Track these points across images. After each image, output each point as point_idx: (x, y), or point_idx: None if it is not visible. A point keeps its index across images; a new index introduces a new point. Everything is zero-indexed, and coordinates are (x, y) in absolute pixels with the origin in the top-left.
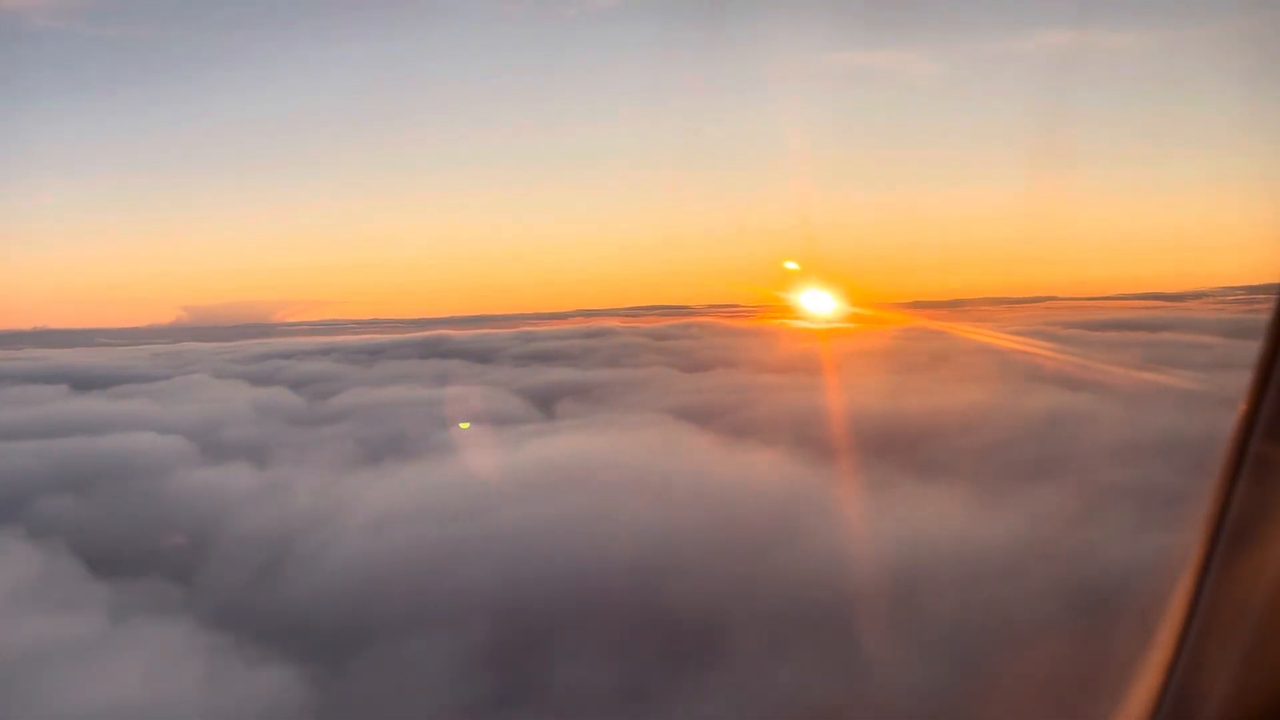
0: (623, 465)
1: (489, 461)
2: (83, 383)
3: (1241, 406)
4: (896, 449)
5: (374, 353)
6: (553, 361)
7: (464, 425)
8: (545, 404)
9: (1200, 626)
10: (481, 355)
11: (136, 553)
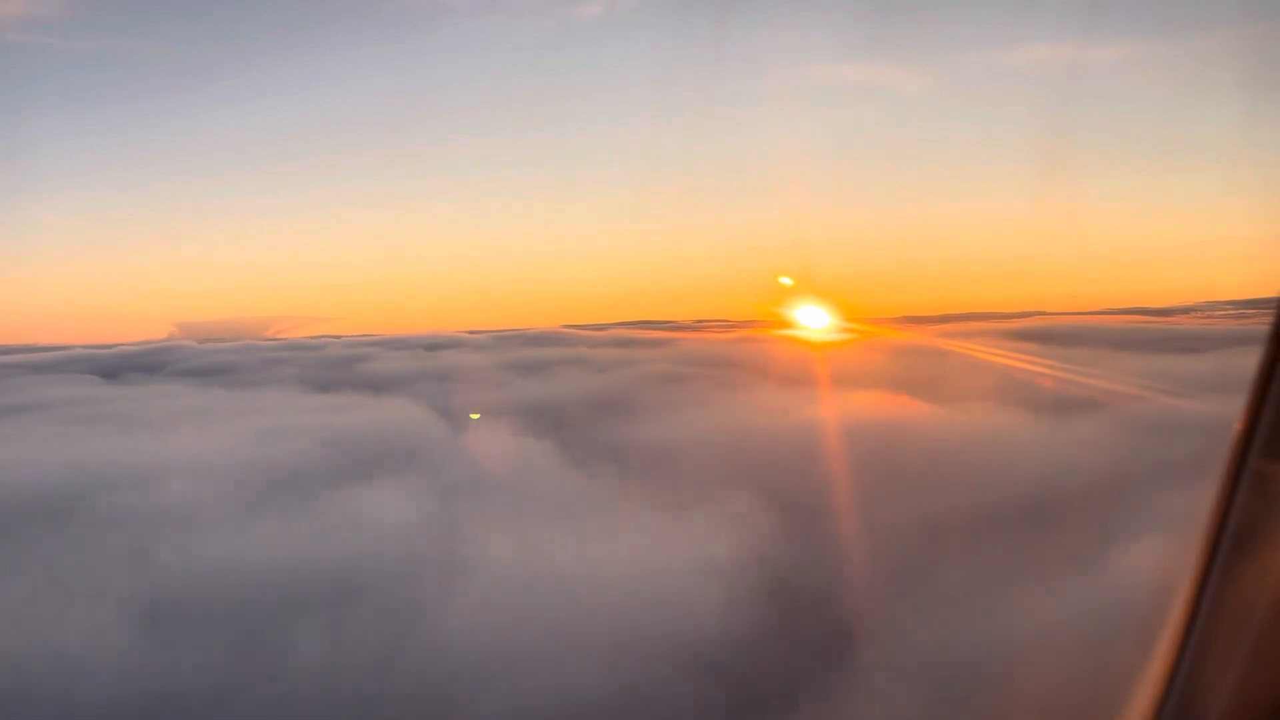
0: None
1: None
2: None
3: (1238, 424)
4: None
5: (37, 368)
6: (193, 377)
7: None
8: None
9: (1201, 635)
10: (149, 369)
11: None
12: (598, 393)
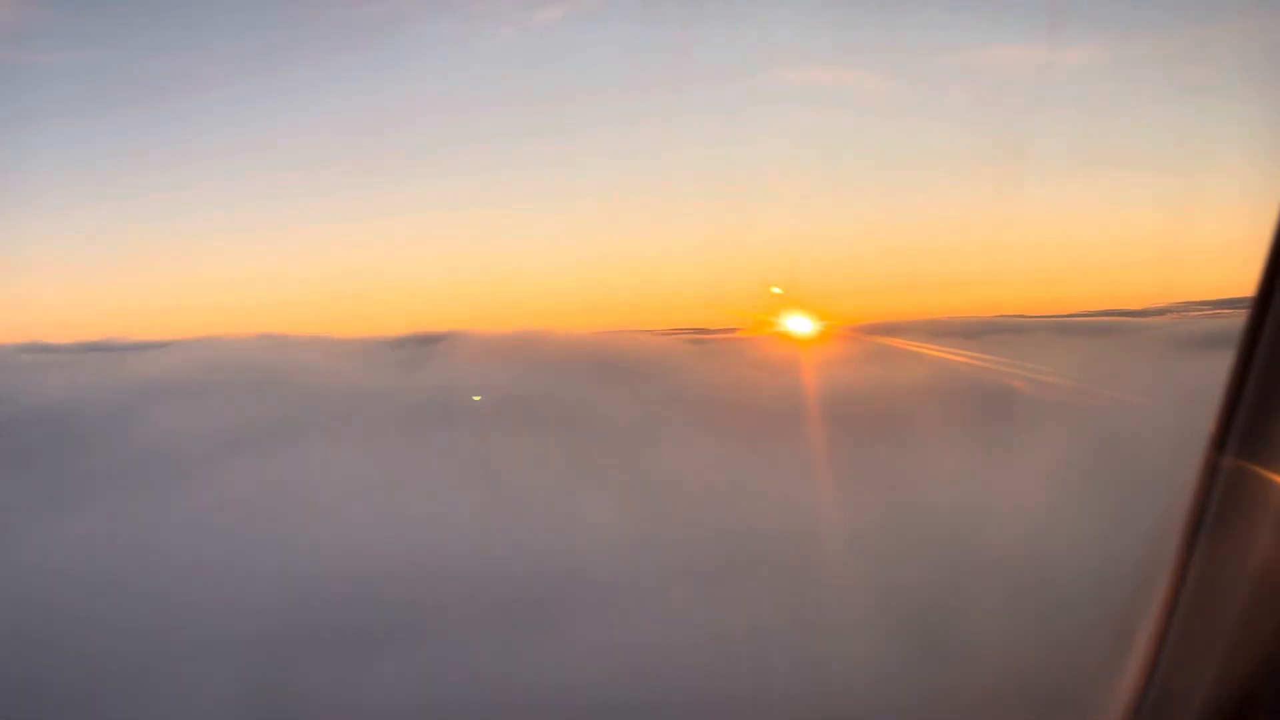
0: None
1: None
2: None
3: (1213, 422)
4: None
5: None
6: None
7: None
8: None
9: (1177, 630)
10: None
11: None
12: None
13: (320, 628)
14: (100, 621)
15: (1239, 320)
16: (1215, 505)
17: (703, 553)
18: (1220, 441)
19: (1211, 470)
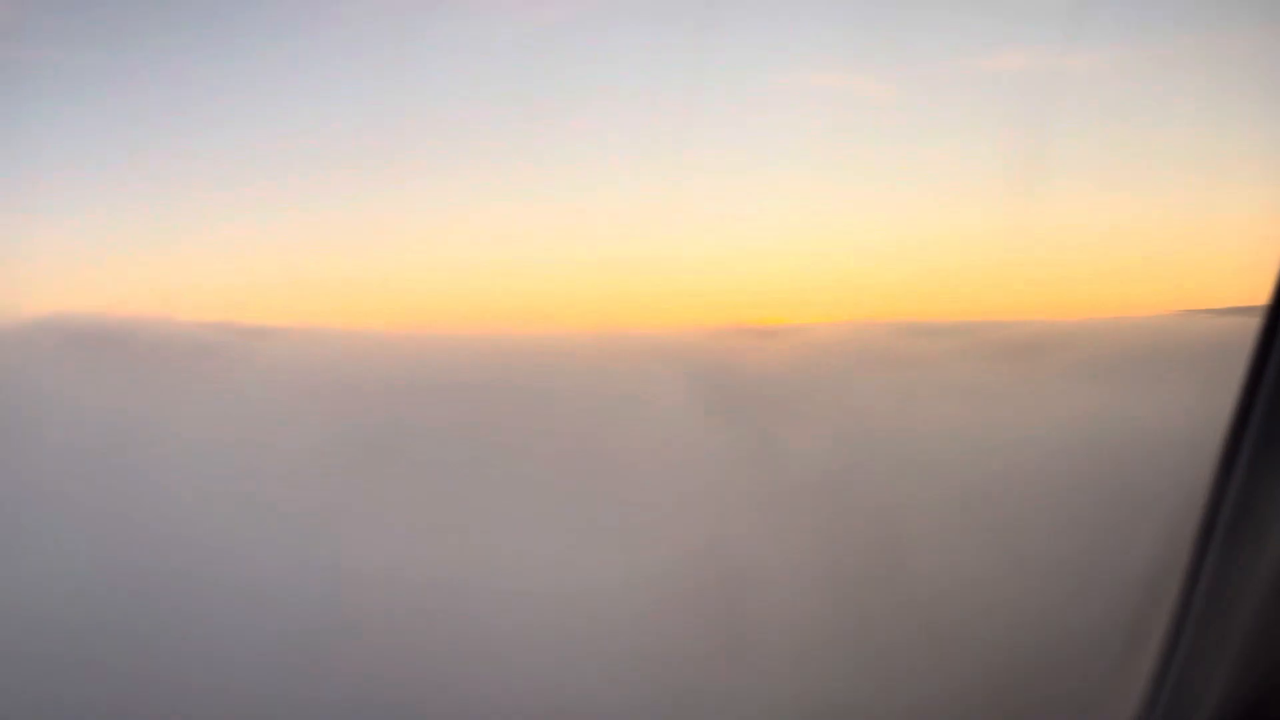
0: None
1: None
2: None
3: (1230, 421)
4: None
5: None
6: None
7: None
8: None
9: (1195, 626)
10: None
11: None
12: None
13: None
14: None
15: (1253, 326)
16: (1229, 509)
17: None
18: (1234, 445)
19: (1225, 474)
